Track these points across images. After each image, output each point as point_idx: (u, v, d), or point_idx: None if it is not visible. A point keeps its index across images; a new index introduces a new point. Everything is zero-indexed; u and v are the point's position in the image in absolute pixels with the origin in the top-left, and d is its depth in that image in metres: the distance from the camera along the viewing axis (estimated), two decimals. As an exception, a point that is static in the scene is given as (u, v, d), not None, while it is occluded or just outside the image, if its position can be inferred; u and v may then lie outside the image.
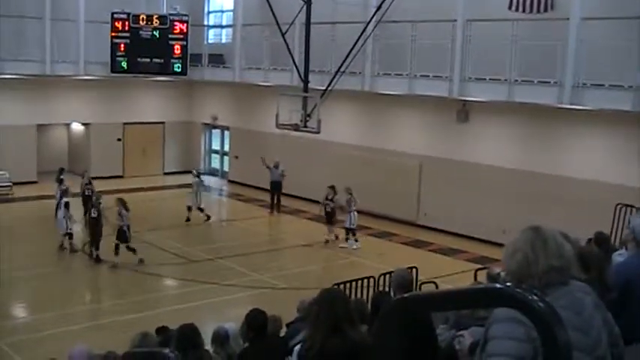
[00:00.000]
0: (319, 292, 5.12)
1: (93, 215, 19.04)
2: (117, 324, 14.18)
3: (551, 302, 2.12)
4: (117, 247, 18.36)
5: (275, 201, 25.47)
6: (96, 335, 13.41)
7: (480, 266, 15.82)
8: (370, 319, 6.51)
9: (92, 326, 14.51)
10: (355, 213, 21.02)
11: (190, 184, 24.10)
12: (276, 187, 25.41)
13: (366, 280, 13.98)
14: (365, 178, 24.46)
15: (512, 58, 19.03)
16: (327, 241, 21.09)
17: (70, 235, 19.29)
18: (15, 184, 26.70)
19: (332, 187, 21.38)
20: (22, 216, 22.40)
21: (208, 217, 23.74)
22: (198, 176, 24.00)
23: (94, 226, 18.96)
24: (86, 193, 21.67)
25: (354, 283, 13.77)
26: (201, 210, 23.58)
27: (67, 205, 19.46)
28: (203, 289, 17.02)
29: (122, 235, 18.50)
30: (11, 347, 13.15)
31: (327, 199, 21.30)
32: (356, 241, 21.02)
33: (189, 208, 23.43)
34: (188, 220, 23.35)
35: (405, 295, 2.78)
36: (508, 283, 2.60)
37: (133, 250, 18.57)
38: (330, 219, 21.32)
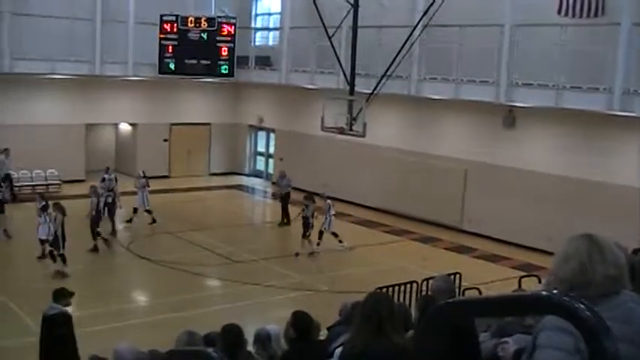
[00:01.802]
0: (366, 296, 5.10)
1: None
2: (160, 322, 14.32)
3: (601, 312, 2.08)
4: (51, 253, 17.64)
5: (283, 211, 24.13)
6: (139, 333, 13.57)
7: (524, 274, 15.68)
8: (417, 323, 6.48)
9: (136, 324, 14.67)
10: (333, 217, 20.74)
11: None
12: (284, 198, 24.21)
13: (409, 285, 13.96)
14: (410, 182, 24.41)
15: (560, 63, 18.82)
16: (297, 254, 20.14)
17: (48, 242, 17.91)
18: (63, 182, 27.16)
19: (309, 197, 20.71)
20: (69, 214, 22.63)
21: (154, 221, 22.81)
22: (144, 177, 23.11)
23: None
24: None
25: (397, 288, 13.75)
26: (150, 212, 22.77)
27: (44, 208, 18.24)
28: (245, 290, 17.11)
29: (55, 242, 17.56)
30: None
31: (303, 210, 20.48)
32: (340, 242, 20.76)
33: (135, 210, 22.83)
34: (130, 221, 22.83)
35: (449, 300, 2.77)
36: (555, 291, 2.57)
37: (63, 259, 17.52)
38: (305, 231, 20.38)
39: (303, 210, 20.37)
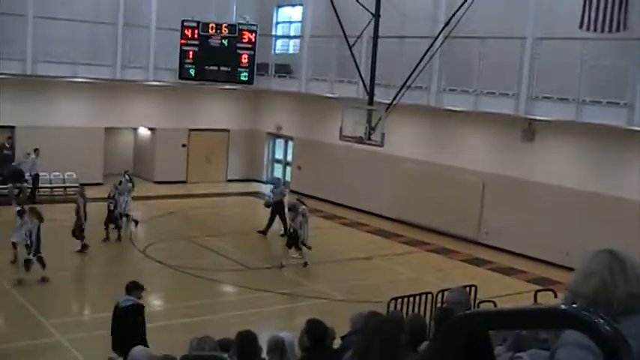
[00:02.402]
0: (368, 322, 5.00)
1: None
2: (174, 327, 14.36)
3: (621, 329, 2.05)
4: (40, 259, 17.00)
5: (271, 222, 23.05)
6: (153, 337, 13.57)
7: (540, 287, 15.59)
8: (434, 335, 6.45)
9: (150, 328, 14.66)
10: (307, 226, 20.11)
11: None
12: (278, 205, 23.04)
13: (424, 296, 13.91)
14: (427, 193, 24.36)
15: (581, 77, 18.75)
16: (282, 266, 19.51)
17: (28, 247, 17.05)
18: (81, 185, 27.23)
19: (295, 207, 19.96)
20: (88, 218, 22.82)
21: (136, 222, 22.37)
22: (129, 180, 22.67)
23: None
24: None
25: (412, 299, 13.71)
26: (127, 216, 22.09)
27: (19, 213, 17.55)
28: (259, 297, 17.12)
29: (30, 246, 16.96)
30: (72, 343, 13.42)
31: (292, 220, 19.80)
32: (299, 253, 20.01)
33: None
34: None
35: (468, 312, 2.75)
36: (574, 305, 2.54)
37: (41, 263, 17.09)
38: (295, 241, 19.63)
39: (292, 220, 19.76)
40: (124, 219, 21.75)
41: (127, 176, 22.86)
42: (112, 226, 20.89)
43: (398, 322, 5.90)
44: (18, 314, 14.97)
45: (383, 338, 4.63)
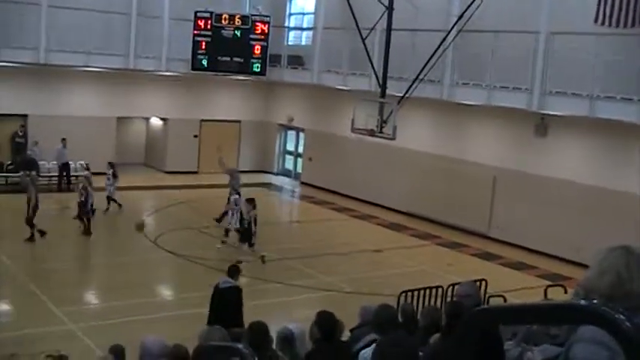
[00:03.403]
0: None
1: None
2: (184, 317, 14.39)
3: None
4: None
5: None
6: (164, 326, 13.65)
7: (550, 283, 15.56)
8: (445, 329, 6.45)
9: (160, 317, 14.75)
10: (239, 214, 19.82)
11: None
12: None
13: (434, 290, 13.92)
14: (438, 186, 24.34)
15: (595, 72, 18.66)
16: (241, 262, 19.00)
17: None
18: (93, 174, 27.28)
19: (250, 201, 19.12)
20: (98, 206, 22.90)
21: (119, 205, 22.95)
22: (87, 169, 22.83)
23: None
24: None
25: (422, 292, 13.72)
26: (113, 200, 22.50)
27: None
28: (269, 289, 17.15)
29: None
30: (83, 331, 13.50)
31: (248, 212, 19.03)
32: (224, 242, 19.98)
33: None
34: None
35: (484, 307, 2.75)
36: (594, 301, 2.53)
37: None
38: (249, 236, 18.90)
39: (248, 213, 18.98)
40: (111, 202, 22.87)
41: (111, 169, 23.42)
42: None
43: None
44: (29, 302, 15.05)
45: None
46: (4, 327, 13.63)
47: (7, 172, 25.79)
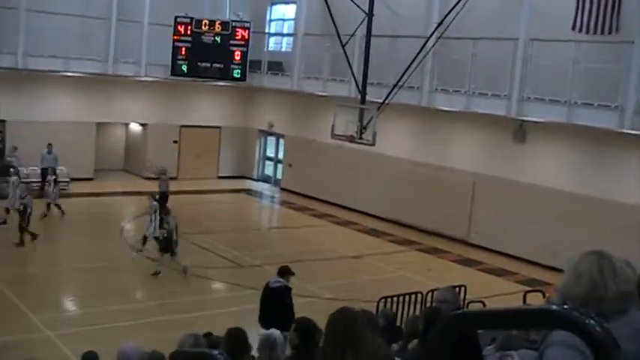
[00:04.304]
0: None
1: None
2: (164, 323, 14.33)
3: (611, 330, 2.06)
4: None
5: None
6: (142, 333, 13.58)
7: (529, 289, 15.63)
8: (422, 335, 6.47)
9: (139, 324, 14.67)
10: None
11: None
12: (162, 198, 21.91)
13: (414, 295, 13.95)
14: (417, 193, 24.40)
15: (573, 79, 18.80)
16: (158, 273, 17.98)
17: None
18: (72, 179, 27.19)
19: (167, 210, 18.57)
20: (77, 211, 22.79)
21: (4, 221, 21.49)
22: (17, 174, 22.47)
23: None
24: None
25: (401, 298, 13.74)
26: (7, 211, 21.40)
27: None
28: (249, 295, 17.03)
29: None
30: (61, 339, 13.40)
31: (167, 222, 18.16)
32: (140, 251, 19.24)
33: (7, 210, 21.41)
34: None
35: (459, 312, 2.76)
36: (565, 306, 2.55)
37: None
38: (169, 245, 17.97)
39: (168, 223, 18.09)
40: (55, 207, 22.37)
41: (53, 175, 23.58)
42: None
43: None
44: (5, 309, 14.91)
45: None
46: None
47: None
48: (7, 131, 26.78)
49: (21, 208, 19.59)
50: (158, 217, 18.85)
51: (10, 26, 24.52)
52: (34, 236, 19.47)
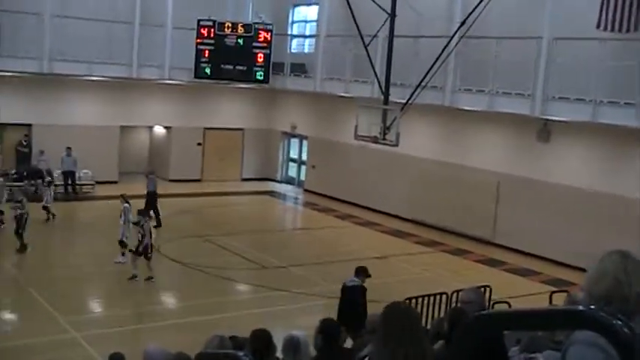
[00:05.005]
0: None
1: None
2: (189, 325, 14.38)
3: (637, 329, 2.05)
4: None
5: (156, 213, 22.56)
6: (168, 335, 13.65)
7: (555, 289, 15.53)
8: (447, 336, 6.44)
9: (165, 326, 14.75)
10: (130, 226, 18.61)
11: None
12: (152, 198, 22.64)
13: (439, 296, 13.89)
14: (442, 193, 24.31)
15: (597, 77, 18.63)
16: (135, 276, 17.46)
17: None
18: (97, 182, 27.42)
19: (144, 212, 18.31)
20: (101, 214, 22.93)
21: (53, 216, 22.39)
22: (51, 177, 23.13)
23: None
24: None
25: (426, 299, 13.70)
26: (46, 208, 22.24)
27: None
28: (274, 296, 17.13)
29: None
30: (86, 339, 13.48)
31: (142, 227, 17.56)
32: (123, 255, 18.64)
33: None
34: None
35: (483, 312, 2.75)
36: (592, 306, 2.53)
37: None
38: (145, 250, 17.46)
39: (142, 227, 17.52)
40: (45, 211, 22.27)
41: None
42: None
43: None
44: (33, 310, 15.04)
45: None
46: (6, 336, 13.62)
47: (11, 182, 25.75)
48: (33, 135, 27.04)
49: (17, 213, 19.30)
50: (130, 220, 18.42)
51: (35, 31, 24.76)
52: (23, 247, 19.12)
